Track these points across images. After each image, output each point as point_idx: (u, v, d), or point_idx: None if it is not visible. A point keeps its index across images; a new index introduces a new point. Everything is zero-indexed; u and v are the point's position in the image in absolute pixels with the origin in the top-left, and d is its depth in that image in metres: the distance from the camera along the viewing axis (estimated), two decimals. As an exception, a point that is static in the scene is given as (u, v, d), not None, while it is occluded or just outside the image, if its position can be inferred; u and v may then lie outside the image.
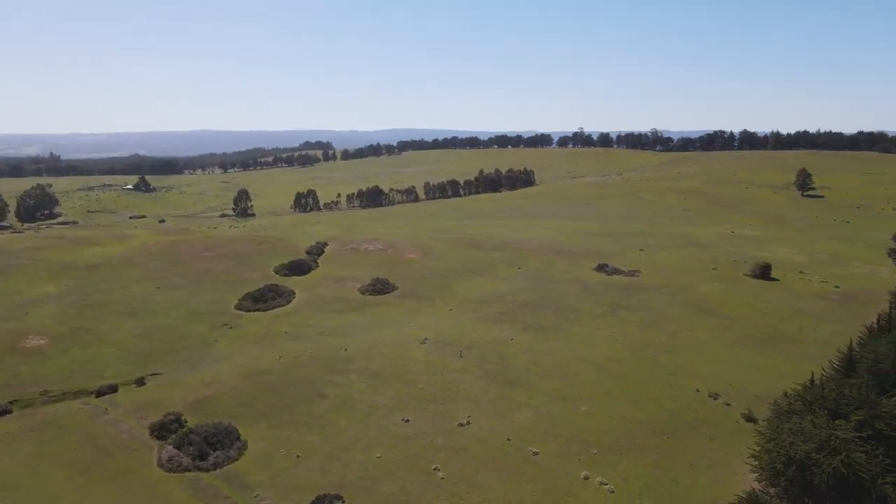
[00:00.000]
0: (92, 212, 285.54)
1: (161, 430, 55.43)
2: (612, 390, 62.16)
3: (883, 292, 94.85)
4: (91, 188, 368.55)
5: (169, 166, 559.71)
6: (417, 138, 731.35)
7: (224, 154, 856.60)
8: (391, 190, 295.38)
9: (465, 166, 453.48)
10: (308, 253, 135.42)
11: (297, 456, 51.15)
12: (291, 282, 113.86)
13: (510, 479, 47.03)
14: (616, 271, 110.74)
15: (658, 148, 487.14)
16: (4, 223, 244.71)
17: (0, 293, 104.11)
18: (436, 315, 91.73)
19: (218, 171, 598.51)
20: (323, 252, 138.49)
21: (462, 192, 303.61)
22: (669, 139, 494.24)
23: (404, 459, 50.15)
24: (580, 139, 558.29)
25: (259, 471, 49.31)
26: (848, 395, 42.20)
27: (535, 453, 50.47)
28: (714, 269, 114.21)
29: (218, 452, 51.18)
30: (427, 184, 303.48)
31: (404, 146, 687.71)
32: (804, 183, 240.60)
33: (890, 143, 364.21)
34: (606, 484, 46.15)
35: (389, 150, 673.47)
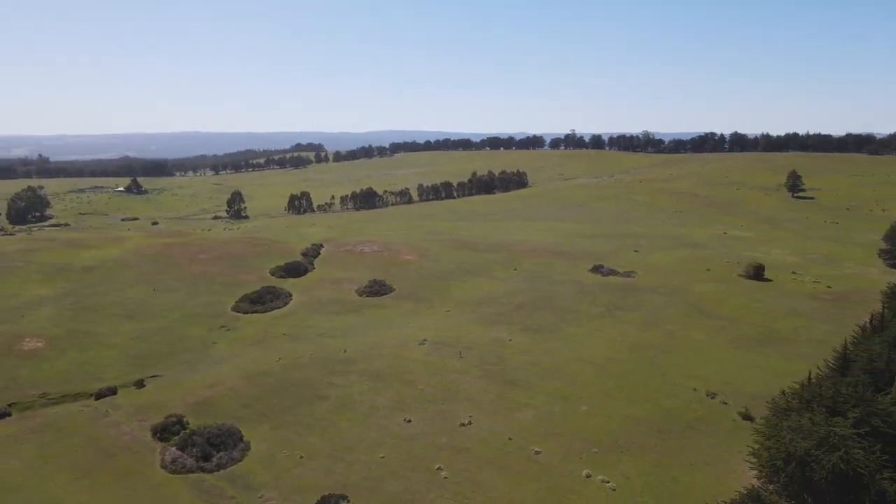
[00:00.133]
0: (83, 214, 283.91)
1: (163, 432, 55.54)
2: (612, 390, 62.82)
3: (874, 292, 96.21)
4: (82, 190, 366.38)
5: (159, 168, 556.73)
6: (409, 140, 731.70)
7: (215, 156, 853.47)
8: (385, 192, 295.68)
9: (457, 168, 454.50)
10: (303, 255, 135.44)
11: (301, 457, 51.43)
12: (288, 284, 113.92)
13: (513, 478, 47.54)
14: (612, 272, 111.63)
15: (649, 150, 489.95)
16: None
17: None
18: (434, 316, 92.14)
19: (209, 172, 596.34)
20: (318, 254, 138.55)
21: (455, 194, 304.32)
22: (661, 141, 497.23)
23: (407, 459, 50.54)
24: (572, 141, 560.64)
25: (263, 471, 49.55)
26: (844, 393, 43.06)
27: (537, 452, 51.01)
28: (708, 269, 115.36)
29: (221, 453, 51.38)
30: (420, 185, 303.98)
31: (396, 148, 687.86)
32: (794, 184, 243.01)
33: (878, 145, 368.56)
34: (608, 482, 46.77)
35: (381, 151, 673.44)
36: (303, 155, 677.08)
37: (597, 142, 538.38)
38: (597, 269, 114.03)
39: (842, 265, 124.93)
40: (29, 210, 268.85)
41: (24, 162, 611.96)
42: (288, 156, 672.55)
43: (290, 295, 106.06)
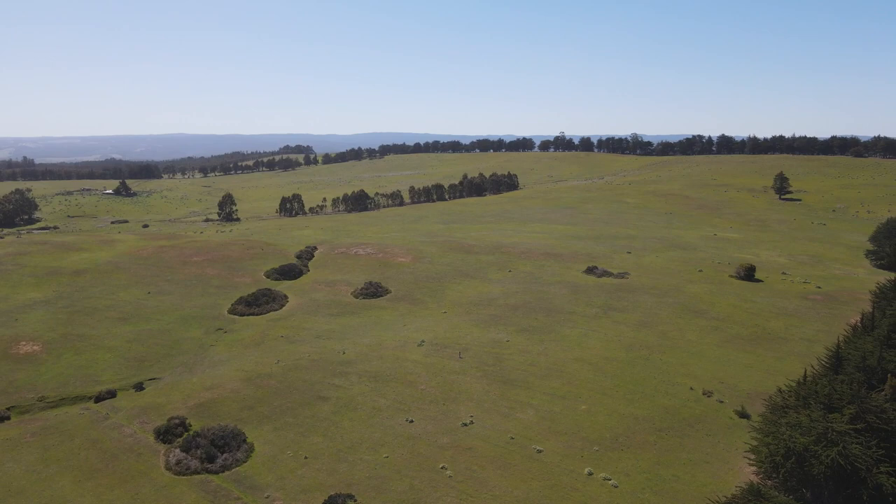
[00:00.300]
0: (72, 217, 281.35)
1: (166, 434, 55.67)
2: (610, 389, 63.68)
3: (862, 292, 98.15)
4: (70, 192, 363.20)
5: (147, 170, 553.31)
6: (397, 142, 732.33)
7: (202, 158, 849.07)
8: (376, 194, 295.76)
9: (447, 170, 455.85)
10: (298, 257, 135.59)
11: (305, 457, 51.77)
12: (283, 286, 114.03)
13: (516, 477, 48.19)
14: (605, 273, 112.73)
15: (638, 152, 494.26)
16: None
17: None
18: (430, 318, 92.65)
19: (198, 175, 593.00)
20: (313, 256, 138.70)
21: (447, 196, 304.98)
22: (649, 143, 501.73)
23: (411, 459, 51.04)
24: (561, 143, 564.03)
25: (267, 472, 49.84)
26: (839, 390, 44.18)
27: (539, 451, 51.71)
28: (700, 270, 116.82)
29: (226, 455, 51.61)
30: (412, 188, 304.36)
31: (386, 150, 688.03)
32: (782, 187, 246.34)
33: (862, 148, 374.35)
34: (610, 479, 47.54)
35: (371, 154, 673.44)
36: (292, 157, 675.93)
37: (586, 144, 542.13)
38: (591, 270, 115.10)
39: (830, 266, 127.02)
40: (17, 213, 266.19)
41: (9, 164, 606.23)
42: (277, 158, 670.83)
43: (286, 297, 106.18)
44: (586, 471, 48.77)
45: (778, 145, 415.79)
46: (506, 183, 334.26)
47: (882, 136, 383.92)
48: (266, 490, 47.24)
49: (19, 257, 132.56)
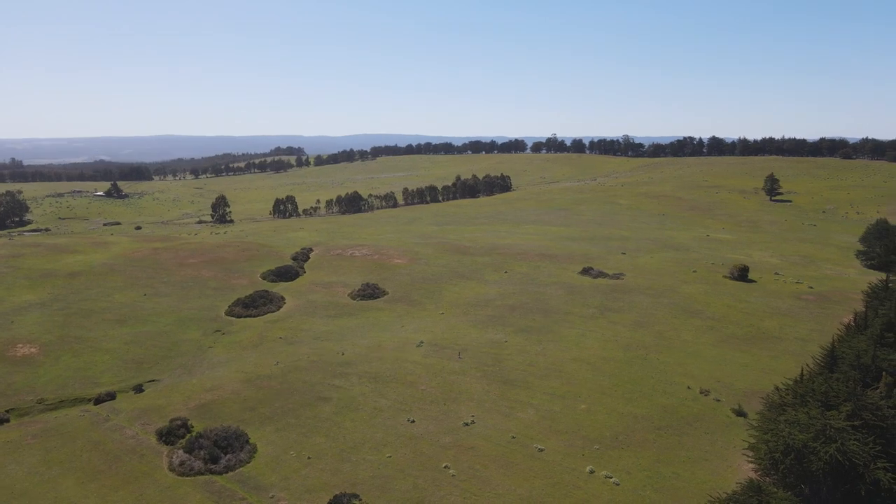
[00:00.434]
0: (63, 219, 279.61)
1: (168, 435, 55.76)
2: (608, 389, 64.38)
3: (853, 292, 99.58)
4: (60, 194, 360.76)
5: (138, 172, 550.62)
6: (388, 143, 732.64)
7: (193, 159, 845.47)
8: (370, 195, 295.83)
9: (440, 171, 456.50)
10: (294, 259, 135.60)
11: (308, 457, 52.05)
12: (279, 288, 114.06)
13: (519, 475, 48.71)
14: (601, 274, 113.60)
15: (630, 153, 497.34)
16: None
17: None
18: (428, 319, 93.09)
19: (189, 176, 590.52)
20: (308, 258, 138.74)
21: (441, 198, 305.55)
22: (640, 145, 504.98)
23: (414, 458, 51.46)
24: (553, 145, 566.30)
25: (271, 473, 50.10)
26: (836, 388, 45.05)
27: (541, 450, 52.28)
28: (694, 271, 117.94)
29: (229, 456, 51.79)
30: (406, 189, 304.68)
31: (378, 152, 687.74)
32: (772, 188, 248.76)
33: (850, 150, 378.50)
34: (611, 477, 48.17)
35: (363, 155, 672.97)
36: (283, 159, 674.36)
37: (578, 146, 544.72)
38: (586, 271, 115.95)
39: (821, 266, 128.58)
40: (8, 215, 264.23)
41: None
42: (268, 159, 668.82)
43: (283, 299, 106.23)
44: (588, 469, 49.39)
45: (768, 147, 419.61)
46: (499, 184, 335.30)
47: (870, 137, 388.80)
48: (271, 490, 47.50)
49: (12, 259, 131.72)
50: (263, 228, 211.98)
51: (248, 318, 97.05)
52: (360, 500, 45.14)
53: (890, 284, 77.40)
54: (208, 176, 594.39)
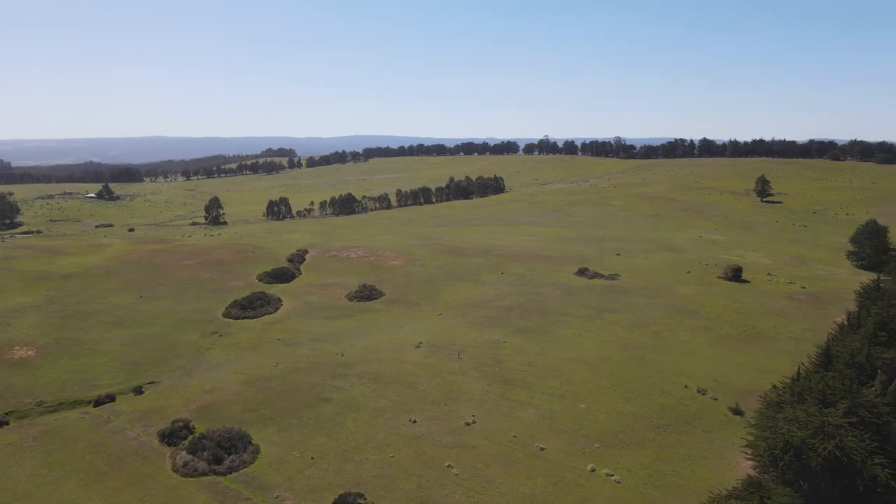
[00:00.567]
0: (55, 221, 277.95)
1: (171, 437, 55.87)
2: (607, 388, 65.08)
3: (845, 292, 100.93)
4: (51, 196, 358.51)
5: (128, 173, 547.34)
6: (380, 145, 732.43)
7: (183, 161, 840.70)
8: (363, 197, 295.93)
9: (433, 173, 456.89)
10: (289, 261, 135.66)
11: (311, 458, 52.36)
12: (276, 289, 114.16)
13: (521, 474, 49.26)
14: (596, 275, 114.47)
15: (622, 155, 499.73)
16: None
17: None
18: (426, 320, 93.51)
19: (180, 178, 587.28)
20: (304, 260, 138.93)
21: (434, 200, 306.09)
22: (632, 147, 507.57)
23: (417, 458, 51.88)
24: (546, 146, 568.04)
25: (275, 473, 50.36)
26: (832, 386, 45.91)
27: (542, 448, 52.85)
28: (688, 272, 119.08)
29: (232, 456, 52.00)
30: (399, 191, 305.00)
31: (370, 153, 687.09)
32: (763, 189, 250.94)
33: (839, 151, 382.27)
34: (612, 475, 48.81)
35: (355, 157, 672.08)
36: (275, 160, 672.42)
37: (570, 147, 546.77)
38: (582, 272, 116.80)
39: (813, 266, 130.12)
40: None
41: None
42: (260, 161, 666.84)
43: (280, 300, 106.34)
44: (589, 467, 50.00)
45: (758, 149, 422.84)
46: (492, 186, 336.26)
47: (858, 139, 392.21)
48: (275, 490, 47.77)
49: (6, 262, 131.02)
50: (257, 230, 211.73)
51: (245, 320, 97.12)
52: (366, 499, 45.50)
53: (882, 284, 78.73)
54: (200, 177, 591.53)
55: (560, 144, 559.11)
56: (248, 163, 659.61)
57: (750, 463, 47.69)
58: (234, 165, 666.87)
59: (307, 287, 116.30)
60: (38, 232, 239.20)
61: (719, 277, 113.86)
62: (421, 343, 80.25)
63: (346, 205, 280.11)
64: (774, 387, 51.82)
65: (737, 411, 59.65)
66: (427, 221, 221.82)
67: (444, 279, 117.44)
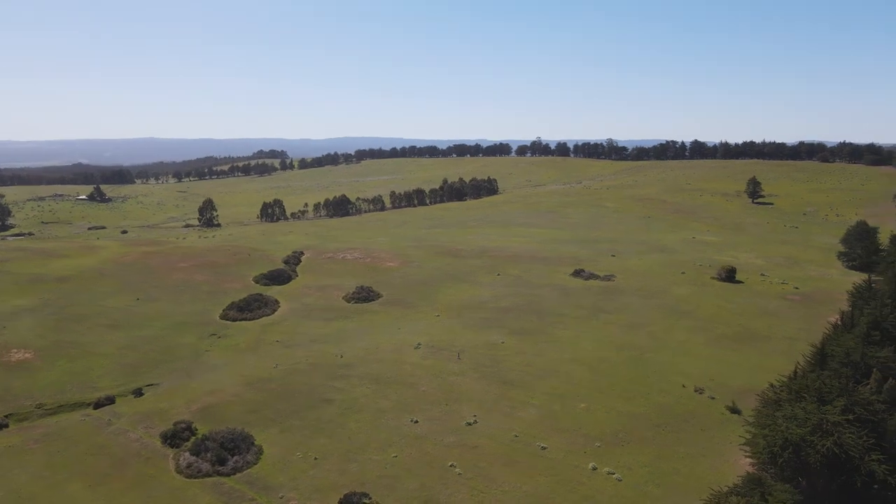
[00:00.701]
0: (47, 223, 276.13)
1: (173, 438, 56.00)
2: (606, 388, 65.80)
3: (837, 292, 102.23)
4: (42, 198, 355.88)
5: (120, 175, 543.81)
6: (372, 146, 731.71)
7: (175, 162, 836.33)
8: (357, 199, 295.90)
9: (426, 174, 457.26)
10: (285, 262, 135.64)
11: (315, 458, 52.68)
12: (273, 291, 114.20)
13: (523, 473, 49.82)
14: (592, 276, 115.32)
15: (614, 157, 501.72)
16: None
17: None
18: (424, 321, 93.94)
19: (172, 180, 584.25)
20: (300, 261, 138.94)
21: (428, 201, 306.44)
22: (624, 148, 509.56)
23: (419, 458, 52.33)
24: (538, 148, 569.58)
25: (279, 473, 50.65)
26: (829, 384, 46.82)
27: (544, 448, 53.45)
28: (682, 273, 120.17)
29: (236, 457, 52.24)
30: (393, 192, 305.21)
31: (362, 155, 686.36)
32: (754, 191, 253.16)
33: (829, 153, 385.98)
34: (614, 473, 49.48)
35: (348, 158, 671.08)
36: (267, 162, 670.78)
37: (562, 149, 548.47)
38: (577, 273, 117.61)
39: (805, 267, 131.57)
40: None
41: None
42: (252, 163, 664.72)
43: (278, 302, 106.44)
44: (590, 465, 50.65)
45: (748, 151, 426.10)
46: (486, 187, 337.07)
47: (847, 141, 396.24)
48: (280, 490, 48.07)
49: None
50: (252, 232, 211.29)
51: (243, 322, 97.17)
52: (370, 498, 45.89)
53: (874, 285, 79.98)
54: (192, 179, 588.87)
55: (552, 146, 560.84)
56: (240, 164, 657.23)
57: (749, 460, 48.52)
58: (225, 167, 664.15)
59: (304, 289, 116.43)
60: (30, 234, 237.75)
61: (713, 278, 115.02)
62: (420, 344, 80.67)
63: (340, 206, 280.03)
64: (772, 385, 52.73)
65: (734, 410, 60.52)
66: (422, 223, 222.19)
67: (441, 281, 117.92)
